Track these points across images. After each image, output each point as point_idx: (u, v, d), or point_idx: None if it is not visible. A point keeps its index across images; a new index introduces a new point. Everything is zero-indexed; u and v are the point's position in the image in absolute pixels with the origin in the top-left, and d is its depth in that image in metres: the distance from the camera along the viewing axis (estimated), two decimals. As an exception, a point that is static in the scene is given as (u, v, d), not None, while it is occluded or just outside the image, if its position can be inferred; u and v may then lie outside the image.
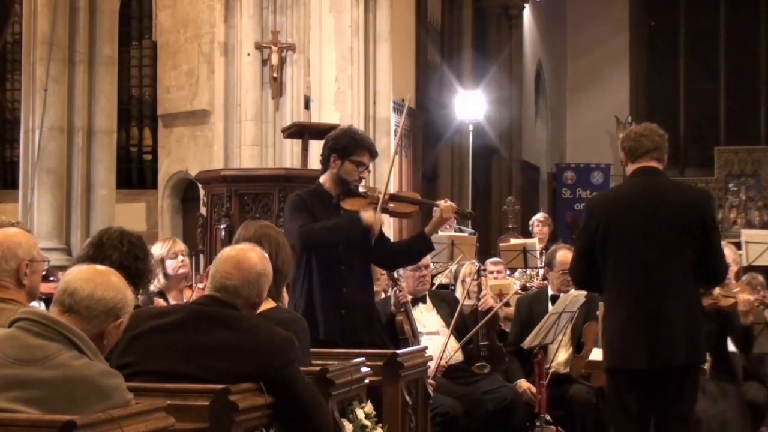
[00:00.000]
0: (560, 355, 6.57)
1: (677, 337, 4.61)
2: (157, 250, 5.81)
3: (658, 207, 4.70)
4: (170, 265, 5.84)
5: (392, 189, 5.45)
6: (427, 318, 6.50)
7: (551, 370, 6.37)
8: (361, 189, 5.25)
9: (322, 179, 5.23)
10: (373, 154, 5.22)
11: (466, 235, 9.29)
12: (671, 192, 4.80)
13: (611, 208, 4.79)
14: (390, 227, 6.82)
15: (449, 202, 5.40)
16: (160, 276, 5.77)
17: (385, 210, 5.26)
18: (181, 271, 5.88)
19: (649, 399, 4.72)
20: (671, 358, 4.62)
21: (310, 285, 5.11)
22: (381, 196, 5.20)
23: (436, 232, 6.84)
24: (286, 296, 4.47)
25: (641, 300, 4.65)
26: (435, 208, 5.53)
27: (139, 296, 4.18)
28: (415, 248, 5.46)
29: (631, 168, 4.87)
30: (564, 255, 6.63)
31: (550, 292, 6.83)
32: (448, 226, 8.92)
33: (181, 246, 5.98)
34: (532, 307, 6.80)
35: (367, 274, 5.34)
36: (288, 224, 5.14)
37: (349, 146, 5.13)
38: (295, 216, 5.09)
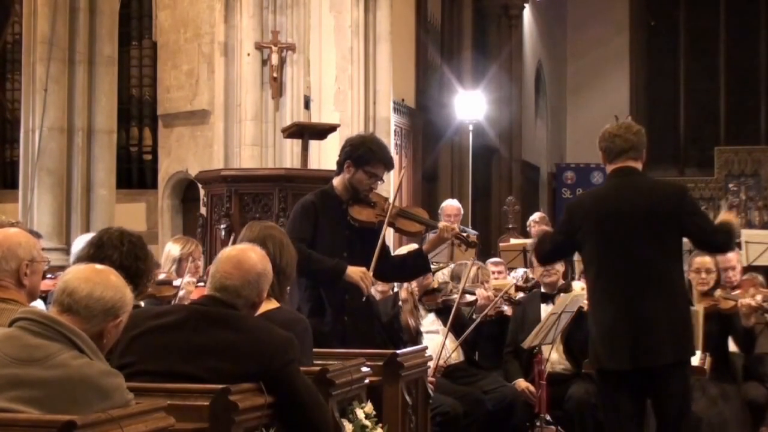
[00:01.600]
0: (552, 354, 6.57)
1: (660, 337, 4.62)
2: (176, 250, 5.80)
3: (635, 208, 4.71)
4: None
5: (395, 189, 5.38)
6: (425, 316, 6.52)
7: (547, 370, 6.37)
8: (371, 197, 5.23)
9: (335, 181, 5.23)
10: (388, 167, 5.21)
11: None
12: (645, 191, 4.81)
13: (591, 211, 4.81)
14: (390, 235, 6.78)
15: (452, 225, 5.37)
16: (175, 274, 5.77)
17: (391, 225, 5.24)
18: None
19: (639, 398, 4.74)
20: (655, 358, 4.64)
21: (315, 289, 5.11)
22: (389, 210, 5.17)
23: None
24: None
25: (624, 301, 4.67)
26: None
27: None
28: (411, 264, 5.44)
29: (609, 168, 4.89)
30: None
31: (542, 290, 6.85)
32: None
33: (199, 251, 5.97)
34: (526, 307, 6.83)
35: None
36: (288, 228, 5.12)
37: (364, 156, 5.10)
38: (296, 225, 5.10)
